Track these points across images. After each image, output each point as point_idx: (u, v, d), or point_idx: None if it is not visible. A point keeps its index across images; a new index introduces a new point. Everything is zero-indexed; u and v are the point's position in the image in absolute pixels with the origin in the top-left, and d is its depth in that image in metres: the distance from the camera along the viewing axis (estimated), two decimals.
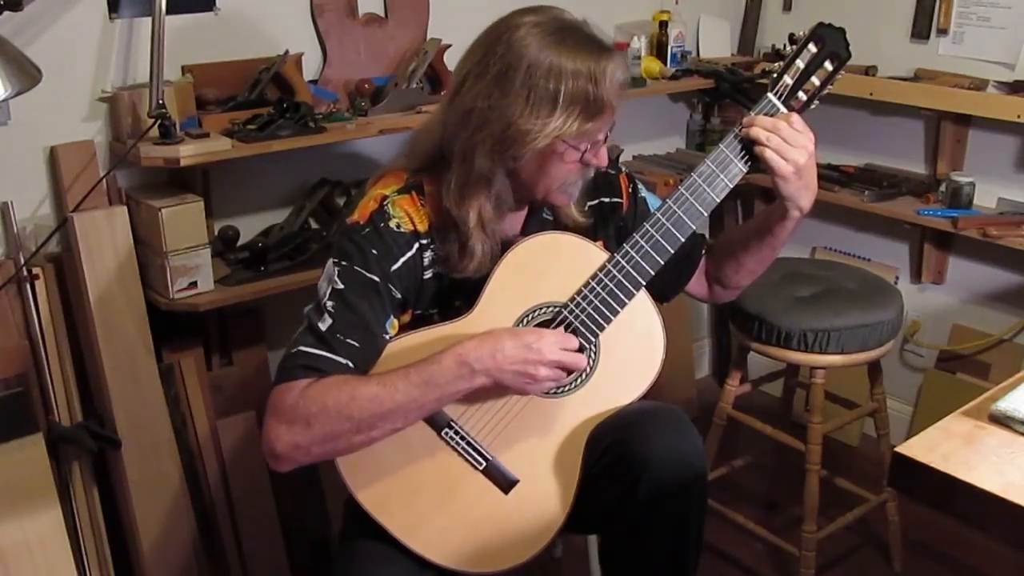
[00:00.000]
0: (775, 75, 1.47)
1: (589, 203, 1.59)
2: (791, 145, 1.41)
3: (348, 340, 1.38)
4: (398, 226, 1.44)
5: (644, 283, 1.45)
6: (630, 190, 1.66)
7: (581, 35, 1.37)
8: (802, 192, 1.46)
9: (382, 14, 2.30)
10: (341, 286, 1.40)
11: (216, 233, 2.10)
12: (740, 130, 1.45)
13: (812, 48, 1.46)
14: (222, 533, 2.12)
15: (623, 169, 1.68)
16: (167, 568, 2.02)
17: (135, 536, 1.98)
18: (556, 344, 1.37)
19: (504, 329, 1.39)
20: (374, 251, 1.41)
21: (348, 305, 1.39)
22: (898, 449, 1.07)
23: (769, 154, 1.42)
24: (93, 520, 1.96)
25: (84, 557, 1.92)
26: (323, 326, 1.38)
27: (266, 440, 1.36)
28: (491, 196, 1.42)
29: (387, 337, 1.43)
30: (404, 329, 1.48)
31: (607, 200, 1.63)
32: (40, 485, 1.85)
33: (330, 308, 1.39)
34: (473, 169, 1.39)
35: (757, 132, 1.42)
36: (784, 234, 1.54)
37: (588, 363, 1.45)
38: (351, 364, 1.38)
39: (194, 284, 1.94)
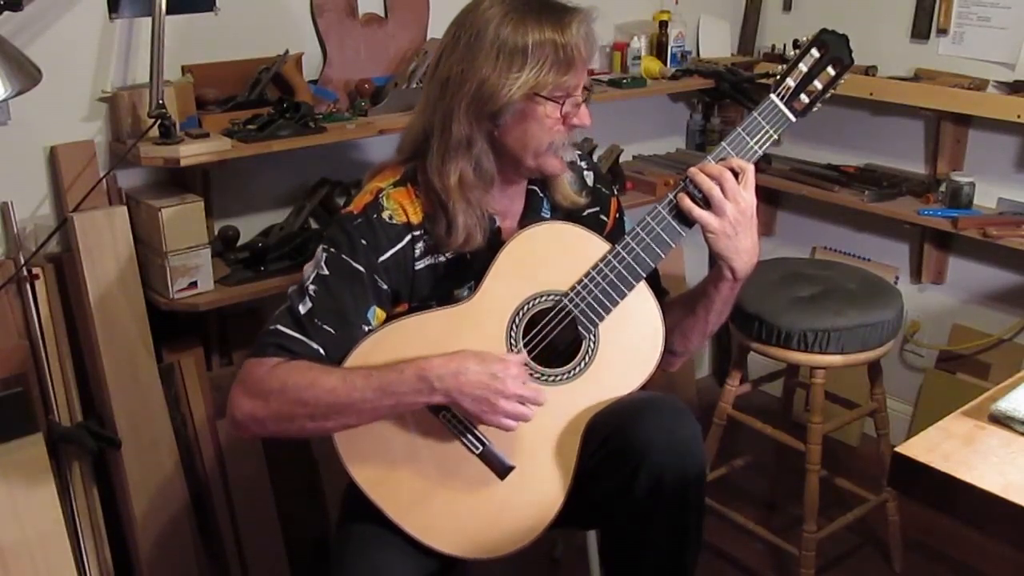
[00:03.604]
0: (778, 77, 1.50)
1: (588, 211, 1.63)
2: (726, 198, 1.43)
3: (324, 326, 1.41)
4: (390, 218, 1.47)
5: (644, 275, 1.47)
6: (617, 215, 1.71)
7: (543, 0, 1.43)
8: (733, 253, 1.46)
9: (382, 14, 2.30)
10: (326, 272, 1.43)
11: (216, 233, 2.10)
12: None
13: (815, 53, 1.49)
14: (222, 533, 2.12)
15: (616, 194, 1.74)
16: (167, 568, 2.02)
17: (135, 536, 1.98)
18: (520, 378, 1.38)
19: (472, 352, 1.40)
20: (363, 241, 1.44)
21: (329, 292, 1.42)
22: (898, 449, 1.07)
23: (691, 205, 1.44)
24: (93, 520, 1.96)
25: (84, 557, 1.92)
26: (302, 309, 1.41)
27: (230, 405, 1.41)
28: (471, 161, 1.44)
29: (366, 328, 1.45)
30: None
31: (598, 213, 1.66)
32: (40, 485, 1.85)
33: (311, 292, 1.42)
34: (452, 134, 1.43)
35: (701, 179, 1.43)
36: (718, 297, 1.54)
37: (588, 348, 1.47)
38: (322, 350, 1.41)
39: (194, 284, 1.94)
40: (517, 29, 1.38)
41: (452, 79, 1.41)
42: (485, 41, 1.39)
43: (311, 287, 1.43)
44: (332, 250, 1.44)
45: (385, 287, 1.46)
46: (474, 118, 1.42)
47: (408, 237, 1.47)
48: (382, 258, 1.45)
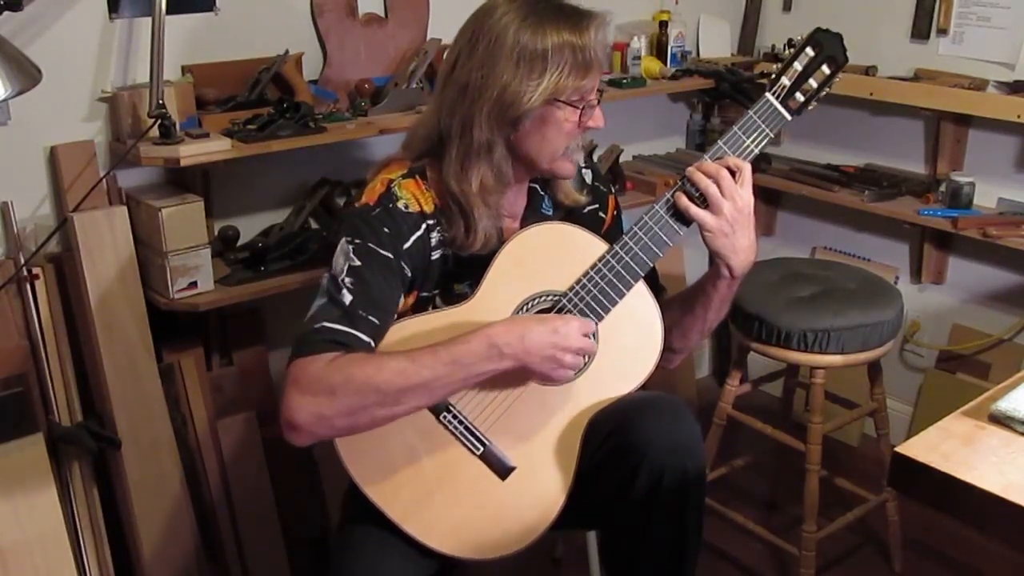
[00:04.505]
0: (773, 76, 1.51)
1: (587, 208, 1.64)
2: (723, 196, 1.43)
3: (369, 316, 1.40)
4: (406, 207, 1.47)
5: (643, 274, 1.47)
6: (615, 212, 1.71)
7: (559, 4, 1.44)
8: (730, 251, 1.46)
9: (382, 14, 2.30)
10: (358, 263, 1.41)
11: (216, 233, 2.10)
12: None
13: (810, 52, 1.50)
14: (222, 533, 2.12)
15: (614, 192, 1.75)
16: (167, 568, 2.02)
17: (135, 536, 1.98)
18: (580, 330, 1.40)
19: (529, 316, 1.42)
20: (386, 229, 1.44)
21: (366, 282, 1.41)
22: (898, 449, 1.07)
23: (688, 204, 1.44)
24: (93, 520, 1.96)
25: (84, 557, 1.92)
26: (345, 301, 1.39)
27: (286, 411, 1.34)
28: (492, 166, 1.45)
29: (395, 316, 1.45)
30: (406, 311, 1.50)
31: (597, 210, 1.67)
32: (40, 485, 1.85)
33: (348, 284, 1.40)
34: (473, 140, 1.43)
35: (698, 177, 1.44)
36: (716, 296, 1.54)
37: (585, 356, 1.47)
38: (372, 342, 1.39)
39: (194, 284, 1.94)
40: (536, 33, 1.39)
41: (472, 85, 1.41)
42: (505, 46, 1.39)
43: (347, 279, 1.40)
44: (358, 241, 1.43)
45: (409, 274, 1.47)
46: (495, 124, 1.42)
47: (424, 226, 1.48)
48: (406, 245, 1.46)
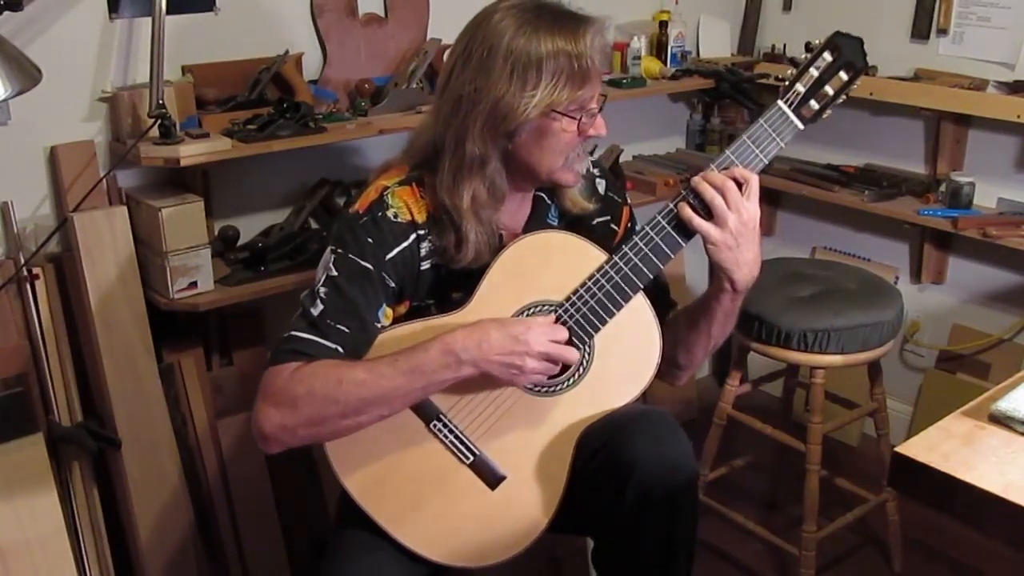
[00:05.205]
0: (787, 82, 1.45)
1: (598, 219, 1.61)
2: (729, 208, 1.39)
3: (339, 326, 1.39)
4: (395, 216, 1.45)
5: (642, 286, 1.44)
6: (628, 224, 1.68)
7: (557, 10, 1.40)
8: (733, 265, 1.42)
9: (382, 14, 2.30)
10: (335, 273, 1.42)
11: (216, 233, 2.10)
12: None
13: (827, 57, 1.44)
14: (222, 532, 2.12)
15: (629, 202, 1.70)
16: (166, 567, 2.02)
17: (135, 535, 1.98)
18: (544, 335, 1.37)
19: (492, 320, 1.39)
20: (370, 239, 1.43)
21: (340, 292, 1.41)
22: (898, 449, 1.07)
23: (691, 215, 1.41)
24: (93, 520, 1.96)
25: (84, 557, 1.92)
26: (315, 311, 1.40)
27: (255, 421, 1.38)
28: (484, 180, 1.42)
29: (379, 325, 1.44)
30: (400, 320, 1.49)
31: (608, 222, 1.64)
32: (40, 485, 1.85)
33: (322, 294, 1.41)
34: (466, 154, 1.40)
35: (703, 188, 1.40)
36: (719, 310, 1.50)
37: (582, 360, 1.46)
38: (341, 349, 1.39)
39: (194, 284, 1.94)
40: (530, 41, 1.35)
41: (466, 97, 1.38)
42: (498, 56, 1.36)
43: (321, 289, 1.41)
44: (339, 251, 1.43)
45: (393, 285, 1.45)
46: (489, 137, 1.39)
47: (413, 236, 1.46)
48: (389, 255, 1.44)
